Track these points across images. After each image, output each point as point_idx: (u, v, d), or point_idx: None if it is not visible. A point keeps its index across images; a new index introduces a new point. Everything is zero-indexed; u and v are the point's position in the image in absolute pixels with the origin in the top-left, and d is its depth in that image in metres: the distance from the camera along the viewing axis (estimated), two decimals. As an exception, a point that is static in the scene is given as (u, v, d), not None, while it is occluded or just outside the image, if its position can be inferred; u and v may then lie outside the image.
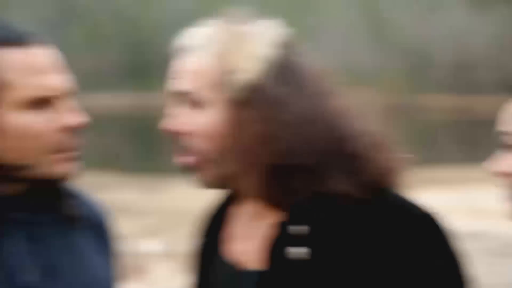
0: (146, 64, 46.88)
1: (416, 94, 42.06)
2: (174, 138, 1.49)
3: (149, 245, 9.11)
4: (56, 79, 1.52)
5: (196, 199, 4.05)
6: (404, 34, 46.93)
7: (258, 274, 1.49)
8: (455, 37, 45.16)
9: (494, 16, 44.71)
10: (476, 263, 9.27)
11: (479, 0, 46.19)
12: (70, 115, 1.52)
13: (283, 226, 1.47)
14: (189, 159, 1.49)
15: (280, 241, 1.47)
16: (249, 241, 1.55)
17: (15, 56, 1.49)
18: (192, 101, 1.47)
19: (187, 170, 1.50)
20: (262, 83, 1.44)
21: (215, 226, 1.68)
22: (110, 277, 1.69)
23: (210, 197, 1.75)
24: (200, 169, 1.49)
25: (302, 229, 1.45)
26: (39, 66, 1.51)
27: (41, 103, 1.50)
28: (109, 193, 11.66)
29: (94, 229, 1.69)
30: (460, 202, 12.07)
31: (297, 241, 1.44)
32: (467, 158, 17.91)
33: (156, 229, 10.24)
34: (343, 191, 1.41)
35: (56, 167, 1.53)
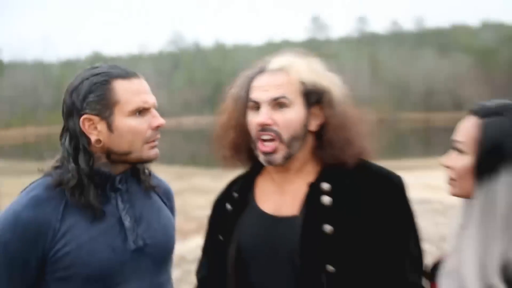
0: (221, 97, 64.66)
1: (397, 112, 60.91)
2: (264, 129, 1.99)
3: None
4: (148, 97, 2.08)
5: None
6: (391, 72, 70.48)
7: (296, 218, 2.00)
8: (425, 74, 68.10)
9: (452, 61, 68.47)
10: (425, 220, 9.17)
11: (443, 50, 71.99)
12: (156, 119, 2.08)
13: (313, 184, 2.01)
14: (269, 147, 2.00)
15: (312, 194, 2.01)
16: (283, 197, 2.07)
17: (123, 84, 2.05)
18: (281, 103, 1.99)
19: (266, 154, 2.01)
20: (326, 91, 2.02)
21: (246, 190, 2.15)
22: (174, 225, 2.26)
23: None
24: (274, 153, 2.00)
25: (327, 186, 2.00)
26: (140, 90, 2.07)
27: (140, 112, 2.05)
28: (190, 179, 17.57)
29: (165, 195, 2.28)
30: (417, 181, 14.65)
31: (324, 194, 1.99)
32: (427, 154, 24.58)
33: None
34: (348, 160, 2.01)
35: (147, 152, 2.09)
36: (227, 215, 2.14)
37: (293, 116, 2.01)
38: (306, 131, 2.04)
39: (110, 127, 2.03)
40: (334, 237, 1.94)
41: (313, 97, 2.03)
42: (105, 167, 2.06)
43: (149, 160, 2.12)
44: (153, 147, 2.10)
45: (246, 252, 2.05)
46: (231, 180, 2.25)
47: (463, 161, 1.80)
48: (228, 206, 2.15)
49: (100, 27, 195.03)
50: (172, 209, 2.31)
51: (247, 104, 2.08)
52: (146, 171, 2.22)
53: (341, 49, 72.84)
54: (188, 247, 8.18)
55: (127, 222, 2.07)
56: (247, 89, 2.08)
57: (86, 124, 2.03)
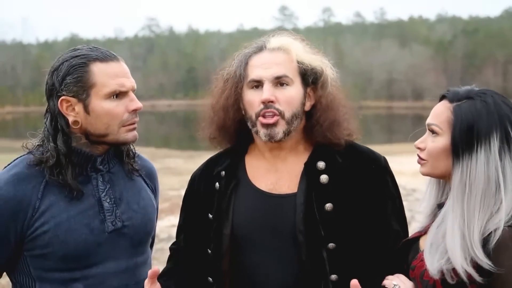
0: (194, 82, 71.42)
1: (361, 100, 60.02)
2: (268, 106, 1.95)
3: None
4: (125, 81, 2.01)
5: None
6: (355, 62, 68.95)
7: (295, 196, 1.97)
8: (387, 64, 68.74)
9: (411, 51, 69.49)
10: None
11: (403, 42, 73.21)
12: (134, 103, 2.01)
13: (309, 162, 2.00)
14: (272, 119, 1.94)
15: (309, 172, 1.99)
16: (278, 175, 2.02)
17: (100, 67, 1.98)
18: (283, 81, 1.96)
19: (268, 127, 1.94)
20: (320, 73, 2.02)
21: (234, 168, 2.06)
22: (155, 207, 2.19)
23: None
24: (276, 126, 1.95)
25: (323, 164, 2.00)
26: (118, 73, 2.00)
27: (116, 95, 1.99)
28: (163, 160, 17.20)
29: (148, 176, 2.20)
30: None
31: (321, 172, 1.99)
32: (390, 140, 25.87)
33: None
34: (337, 140, 2.02)
35: (125, 135, 2.02)
36: (216, 193, 2.04)
37: (294, 94, 1.98)
38: (303, 110, 2.01)
39: (86, 109, 1.98)
40: (334, 214, 1.95)
41: (309, 77, 2.01)
42: (85, 147, 2.01)
43: (126, 143, 2.06)
44: (130, 130, 2.03)
45: (243, 230, 1.98)
46: (210, 159, 2.16)
47: (437, 142, 1.85)
48: (217, 185, 2.04)
49: (78, 10, 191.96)
50: (154, 189, 2.25)
51: (243, 83, 2.00)
52: (131, 153, 2.15)
53: (307, 38, 73.05)
54: (161, 226, 8.13)
55: (106, 203, 2.02)
56: (244, 68, 2.01)
57: (64, 105, 1.98)
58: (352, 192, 1.99)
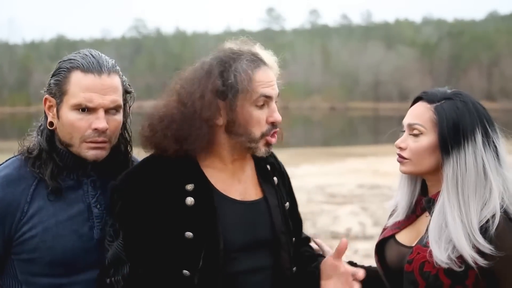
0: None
1: (347, 101, 64.33)
2: (276, 126, 1.97)
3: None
4: (96, 97, 1.92)
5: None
6: (342, 63, 71.12)
7: (265, 199, 2.02)
8: (373, 66, 68.84)
9: (397, 53, 69.61)
10: (374, 204, 10.31)
11: (389, 44, 73.05)
12: (98, 122, 1.93)
13: (261, 167, 2.07)
14: (275, 139, 1.98)
15: (264, 176, 2.07)
16: (242, 184, 2.01)
17: (77, 77, 1.94)
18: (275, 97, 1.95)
19: (270, 146, 1.98)
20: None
21: (198, 181, 1.91)
22: None
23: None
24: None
25: (269, 167, 2.10)
26: (91, 87, 1.93)
27: (84, 109, 1.93)
28: None
29: None
30: (368, 167, 16.05)
31: (271, 175, 2.09)
32: (376, 141, 24.88)
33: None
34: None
35: (86, 151, 1.97)
36: (189, 209, 1.87)
37: None
38: None
39: (58, 114, 1.97)
40: (290, 211, 2.12)
41: None
42: (76, 152, 1.99)
43: (87, 160, 1.98)
44: (91, 148, 1.96)
45: (234, 244, 1.91)
46: (150, 172, 1.91)
47: (421, 141, 1.96)
48: (190, 200, 1.87)
49: (65, 11, 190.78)
50: None
51: (251, 98, 1.90)
52: (124, 158, 2.12)
53: (294, 40, 73.44)
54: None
55: (96, 209, 1.99)
56: (248, 82, 1.89)
57: (47, 103, 1.99)
58: (288, 187, 2.18)
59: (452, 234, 1.87)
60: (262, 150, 1.96)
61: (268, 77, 1.94)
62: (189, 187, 1.89)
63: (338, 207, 10.95)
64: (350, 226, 9.39)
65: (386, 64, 68.29)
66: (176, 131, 1.89)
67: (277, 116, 1.94)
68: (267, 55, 2.00)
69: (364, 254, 7.52)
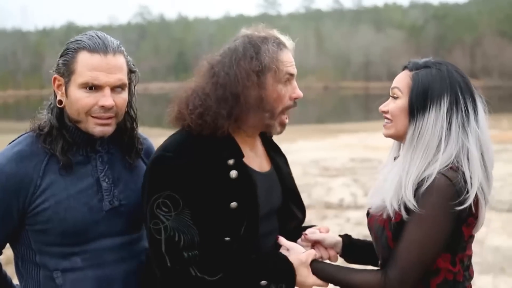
0: (185, 65, 72.74)
1: (340, 80, 65.62)
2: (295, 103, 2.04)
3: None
4: (102, 75, 1.92)
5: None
6: (334, 45, 71.71)
7: (279, 169, 2.14)
8: (364, 48, 68.80)
9: (386, 36, 69.23)
10: (366, 176, 10.46)
11: (379, 26, 73.47)
12: (105, 99, 1.92)
13: (270, 140, 2.19)
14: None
15: (274, 149, 2.19)
16: (257, 157, 2.11)
17: (84, 56, 1.92)
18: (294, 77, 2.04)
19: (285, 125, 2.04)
20: None
21: (236, 155, 1.99)
22: None
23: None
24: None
25: (273, 141, 2.20)
26: (97, 66, 1.91)
27: (91, 87, 1.92)
28: (157, 139, 15.84)
29: (146, 154, 2.15)
30: (360, 142, 16.33)
31: (278, 147, 2.22)
32: (367, 118, 25.03)
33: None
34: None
35: (93, 127, 1.96)
36: (233, 182, 1.94)
37: None
38: None
39: (66, 92, 1.96)
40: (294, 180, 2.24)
41: None
42: (84, 128, 1.98)
43: (94, 136, 1.98)
44: (98, 124, 1.95)
45: (262, 211, 1.99)
46: (197, 146, 1.95)
47: (397, 103, 1.97)
48: (233, 173, 1.94)
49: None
50: None
51: (279, 76, 1.97)
52: (136, 140, 2.11)
53: (290, 24, 73.01)
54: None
55: (104, 183, 1.99)
56: (275, 61, 1.97)
57: (56, 82, 1.98)
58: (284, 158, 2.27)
59: (385, 187, 1.92)
60: (278, 130, 2.04)
61: (290, 58, 2.02)
62: (231, 161, 1.96)
63: (332, 179, 10.98)
64: (343, 197, 9.43)
65: (376, 46, 68.15)
66: (224, 110, 1.94)
67: (299, 92, 2.03)
68: (286, 39, 2.06)
69: (355, 222, 7.47)
